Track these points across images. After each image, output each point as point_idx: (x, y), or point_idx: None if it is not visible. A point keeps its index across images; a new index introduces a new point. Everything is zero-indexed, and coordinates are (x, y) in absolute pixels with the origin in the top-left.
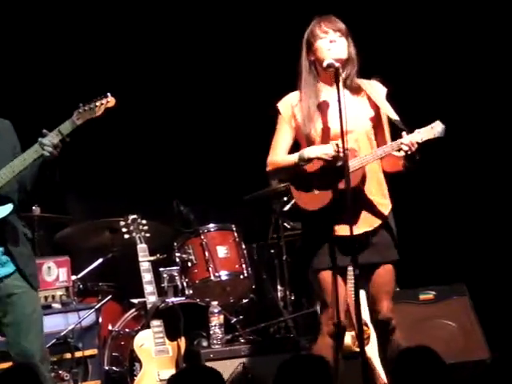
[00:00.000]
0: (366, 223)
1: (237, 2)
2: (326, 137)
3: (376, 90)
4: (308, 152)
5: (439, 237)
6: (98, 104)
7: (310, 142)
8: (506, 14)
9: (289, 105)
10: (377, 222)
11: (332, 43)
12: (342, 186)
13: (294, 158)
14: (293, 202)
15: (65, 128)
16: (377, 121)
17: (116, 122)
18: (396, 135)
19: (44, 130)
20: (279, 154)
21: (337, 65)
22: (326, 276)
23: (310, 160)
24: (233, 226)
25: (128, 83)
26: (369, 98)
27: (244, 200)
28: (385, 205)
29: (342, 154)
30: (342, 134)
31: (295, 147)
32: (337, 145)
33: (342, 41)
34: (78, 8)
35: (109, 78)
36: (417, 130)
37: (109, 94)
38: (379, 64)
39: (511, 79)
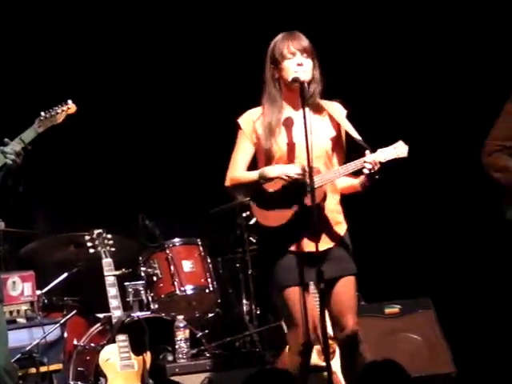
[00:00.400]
0: (326, 240)
1: (205, 16)
2: (291, 152)
3: (337, 110)
4: (269, 171)
5: (404, 250)
6: (58, 111)
7: (270, 157)
8: (455, 37)
9: (250, 120)
10: (336, 239)
11: (299, 66)
12: (303, 202)
13: (255, 175)
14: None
15: (26, 136)
16: (337, 141)
17: (81, 136)
18: (357, 155)
19: (6, 139)
20: (239, 169)
21: (302, 79)
22: (292, 293)
23: (270, 179)
24: (198, 240)
25: (95, 96)
26: (330, 118)
27: (210, 214)
28: (342, 223)
29: (307, 176)
30: (308, 152)
31: (253, 162)
32: (303, 168)
33: (308, 63)
34: (39, 13)
35: (74, 89)
36: (379, 150)
37: (69, 100)
38: (341, 86)
39: (467, 104)
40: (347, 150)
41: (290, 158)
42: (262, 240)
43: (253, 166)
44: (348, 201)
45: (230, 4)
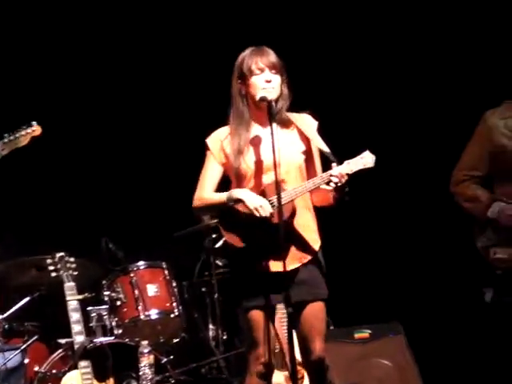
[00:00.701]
0: (296, 259)
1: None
2: (259, 171)
3: (306, 123)
4: (237, 194)
5: (374, 274)
6: (23, 133)
7: (240, 177)
8: (423, 48)
9: (217, 140)
10: (306, 258)
11: (267, 83)
12: (271, 220)
13: (223, 196)
14: (224, 238)
15: None
16: (308, 154)
17: (43, 158)
18: (327, 167)
19: None
20: (207, 190)
21: (270, 98)
22: (256, 315)
23: (238, 200)
24: (163, 263)
25: (59, 117)
26: (299, 132)
27: (175, 237)
28: (315, 240)
29: (265, 215)
30: (275, 168)
31: (226, 182)
32: (267, 203)
33: (277, 79)
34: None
35: (34, 109)
36: (346, 162)
37: (34, 122)
38: (309, 97)
39: (434, 110)
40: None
41: (259, 176)
42: (230, 261)
43: (224, 185)
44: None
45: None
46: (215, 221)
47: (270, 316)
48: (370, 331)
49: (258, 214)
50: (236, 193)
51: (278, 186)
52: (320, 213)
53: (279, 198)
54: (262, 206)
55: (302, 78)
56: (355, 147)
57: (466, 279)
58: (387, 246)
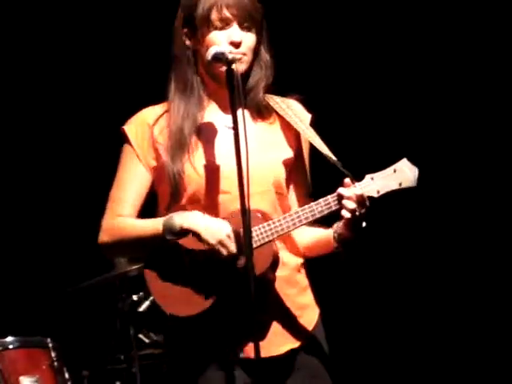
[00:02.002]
0: (281, 339)
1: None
2: (212, 183)
3: (296, 114)
4: (184, 220)
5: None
6: None
7: (179, 192)
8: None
9: (143, 125)
10: (298, 336)
11: (233, 46)
12: (239, 273)
13: (156, 225)
14: (152, 298)
15: None
16: (295, 165)
17: None
18: (331, 186)
19: None
20: (125, 212)
21: (230, 56)
22: None
23: (184, 234)
24: (48, 339)
25: None
26: (284, 127)
27: (67, 293)
28: (309, 306)
29: (233, 247)
30: (242, 182)
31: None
32: (231, 229)
33: (250, 40)
34: None
35: None
36: (369, 176)
37: None
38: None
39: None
40: (313, 178)
41: (212, 193)
42: (167, 339)
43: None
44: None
45: None
46: (137, 267)
47: None
48: None
49: (224, 252)
50: (181, 218)
51: (245, 214)
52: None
53: (248, 239)
54: (230, 237)
55: (290, 42)
56: (379, 153)
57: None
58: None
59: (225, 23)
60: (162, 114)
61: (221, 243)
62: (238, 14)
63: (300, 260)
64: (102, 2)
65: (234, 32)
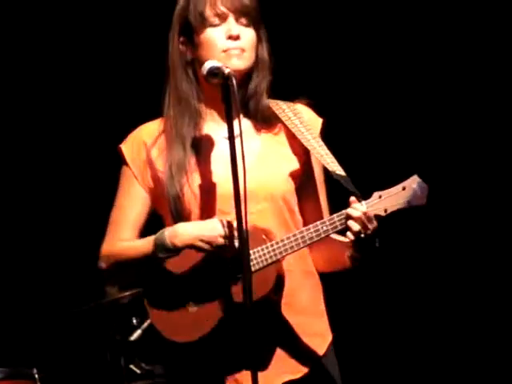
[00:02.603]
0: (287, 367)
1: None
2: (208, 202)
3: (304, 120)
4: (173, 234)
5: None
6: None
7: (181, 212)
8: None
9: (140, 144)
10: (306, 364)
11: (231, 40)
12: (238, 296)
13: (148, 244)
14: (146, 325)
15: None
16: (304, 177)
17: None
18: (341, 204)
19: None
20: (125, 235)
21: (227, 71)
22: None
23: (176, 249)
24: (34, 370)
25: None
26: (290, 136)
27: (55, 320)
28: (320, 332)
29: (236, 241)
30: (238, 196)
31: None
32: (223, 224)
33: (249, 34)
34: None
35: None
36: (377, 193)
37: None
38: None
39: None
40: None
41: (207, 211)
42: (167, 369)
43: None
44: None
45: None
46: (128, 293)
47: None
48: None
49: (216, 242)
50: (172, 232)
51: (242, 232)
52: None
53: (245, 259)
54: (226, 236)
55: (292, 39)
56: (389, 168)
57: None
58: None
59: (221, 19)
60: (160, 133)
61: (207, 241)
62: (233, 8)
63: (313, 277)
64: (98, 19)
65: (231, 25)
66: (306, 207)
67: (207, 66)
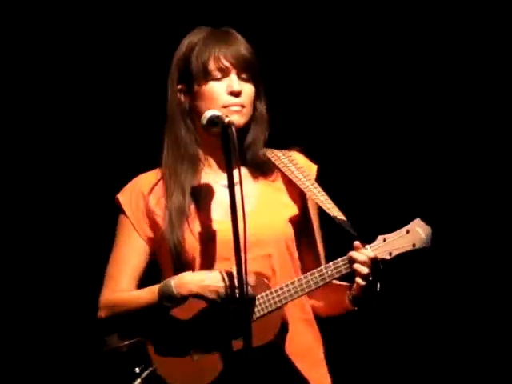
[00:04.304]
0: None
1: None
2: (208, 250)
3: (300, 167)
4: (179, 284)
5: None
6: None
7: (182, 261)
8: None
9: (139, 193)
10: None
11: (232, 96)
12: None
13: (152, 294)
14: (148, 372)
15: None
16: (302, 222)
17: None
18: (342, 249)
19: None
20: (124, 286)
21: (226, 120)
22: None
23: (182, 298)
24: None
25: None
26: (287, 183)
27: (52, 371)
28: (319, 379)
29: (237, 291)
30: (238, 242)
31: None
32: (229, 275)
33: (249, 90)
34: None
35: None
36: (381, 237)
37: None
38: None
39: None
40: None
41: (210, 261)
42: None
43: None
44: None
45: None
46: (128, 342)
47: None
48: None
49: (222, 292)
50: (177, 282)
51: (242, 281)
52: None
53: (247, 308)
54: (228, 287)
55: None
56: (392, 213)
57: None
58: None
59: (223, 73)
60: (157, 182)
61: (224, 298)
62: (236, 64)
63: (311, 325)
64: (92, 64)
65: (234, 82)
66: (304, 252)
67: (207, 114)
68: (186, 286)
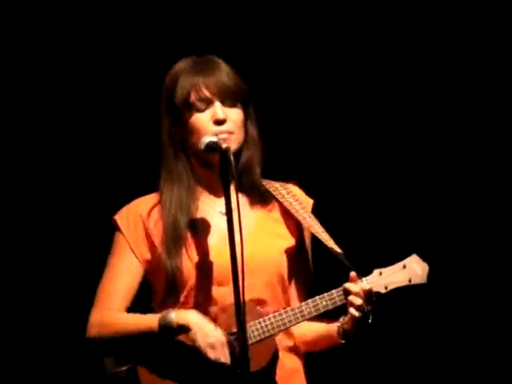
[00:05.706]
0: None
1: None
2: (204, 272)
3: (298, 200)
4: (180, 316)
5: None
6: None
7: (177, 284)
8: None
9: (136, 215)
10: None
11: (218, 125)
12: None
13: (151, 322)
14: None
15: None
16: (296, 254)
17: None
18: (336, 281)
19: None
20: (115, 305)
21: (224, 146)
22: None
23: (180, 330)
24: None
25: None
26: (284, 215)
27: None
28: None
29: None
30: (236, 272)
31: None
32: (228, 340)
33: (236, 115)
34: None
35: None
36: (377, 271)
37: None
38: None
39: None
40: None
41: (207, 287)
42: None
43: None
44: None
45: None
46: (126, 368)
47: None
48: None
49: (212, 356)
50: (178, 315)
51: (239, 308)
52: None
53: (241, 332)
54: (222, 345)
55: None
56: (388, 246)
57: None
58: None
59: (206, 103)
60: (155, 205)
61: (210, 346)
62: (217, 92)
63: (297, 357)
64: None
65: (217, 110)
66: (296, 281)
67: (205, 140)
68: (188, 321)
